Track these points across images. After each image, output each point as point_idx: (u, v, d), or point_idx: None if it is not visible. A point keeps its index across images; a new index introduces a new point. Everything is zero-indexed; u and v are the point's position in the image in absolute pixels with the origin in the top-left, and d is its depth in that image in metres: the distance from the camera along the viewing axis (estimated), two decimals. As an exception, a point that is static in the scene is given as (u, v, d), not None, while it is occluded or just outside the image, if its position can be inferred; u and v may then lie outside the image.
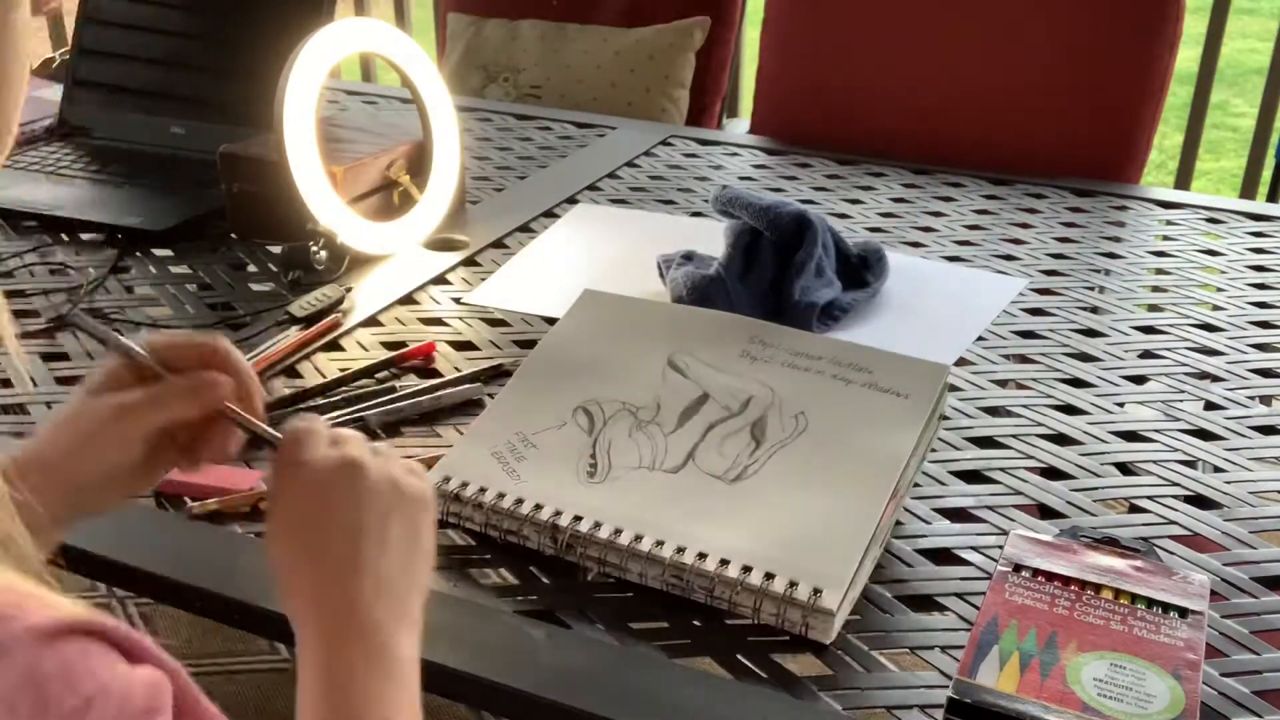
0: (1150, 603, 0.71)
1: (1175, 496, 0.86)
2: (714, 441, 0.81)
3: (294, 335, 1.06)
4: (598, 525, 0.76)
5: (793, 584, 0.71)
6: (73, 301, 0.98)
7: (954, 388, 1.00)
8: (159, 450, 0.69)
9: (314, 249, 1.15)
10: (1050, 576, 0.73)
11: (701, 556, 0.73)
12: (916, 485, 0.86)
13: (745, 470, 0.79)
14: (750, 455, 0.80)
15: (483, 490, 0.80)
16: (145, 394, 0.68)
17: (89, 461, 0.67)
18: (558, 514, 0.78)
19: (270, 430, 0.69)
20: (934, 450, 0.90)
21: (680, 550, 0.74)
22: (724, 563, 0.73)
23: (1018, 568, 0.74)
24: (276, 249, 1.21)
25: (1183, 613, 0.70)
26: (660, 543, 0.75)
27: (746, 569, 0.72)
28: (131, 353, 0.68)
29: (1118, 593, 0.72)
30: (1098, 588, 0.72)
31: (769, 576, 0.72)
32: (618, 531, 0.76)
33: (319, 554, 0.62)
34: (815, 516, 0.75)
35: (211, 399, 0.68)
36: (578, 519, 0.77)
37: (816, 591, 0.70)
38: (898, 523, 0.82)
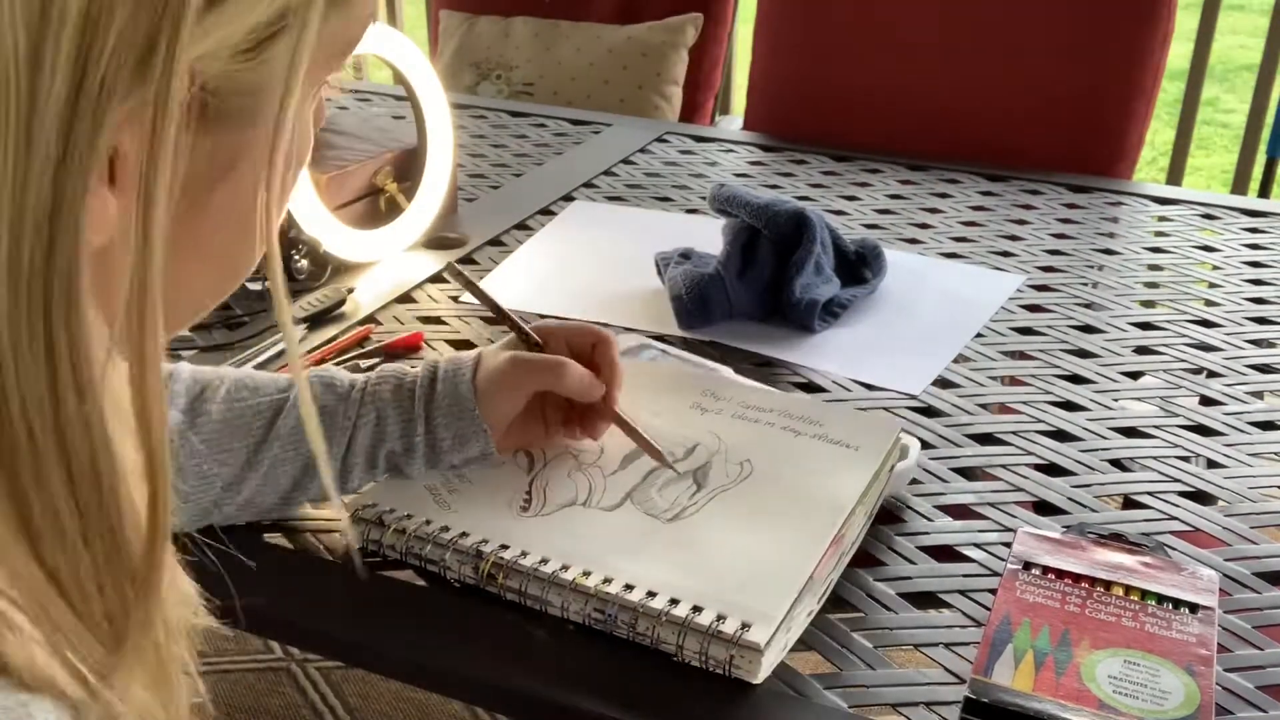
0: (1160, 598, 0.71)
1: (1175, 492, 0.86)
2: (654, 483, 0.80)
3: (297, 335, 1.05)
4: (523, 554, 0.73)
5: (720, 618, 0.68)
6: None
7: (953, 385, 1.00)
8: (530, 415, 0.80)
9: (295, 257, 1.14)
10: (1060, 574, 0.73)
11: (628, 588, 0.70)
12: (916, 482, 0.86)
13: (684, 511, 0.77)
14: (690, 498, 0.78)
15: (408, 516, 0.77)
16: (542, 357, 0.78)
17: (486, 403, 0.77)
18: (483, 542, 0.75)
19: (657, 444, 0.79)
20: (934, 447, 0.90)
21: (606, 581, 0.71)
22: (651, 595, 0.70)
23: (1027, 565, 0.74)
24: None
25: (1193, 608, 0.70)
26: (587, 573, 0.72)
27: (674, 601, 0.69)
28: (522, 330, 0.79)
29: (1128, 589, 0.72)
30: (1108, 584, 0.72)
31: (696, 610, 0.68)
32: (544, 561, 0.72)
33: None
34: (751, 555, 0.72)
35: (597, 393, 0.79)
36: (504, 547, 0.74)
37: (745, 626, 0.67)
38: (899, 520, 0.82)
